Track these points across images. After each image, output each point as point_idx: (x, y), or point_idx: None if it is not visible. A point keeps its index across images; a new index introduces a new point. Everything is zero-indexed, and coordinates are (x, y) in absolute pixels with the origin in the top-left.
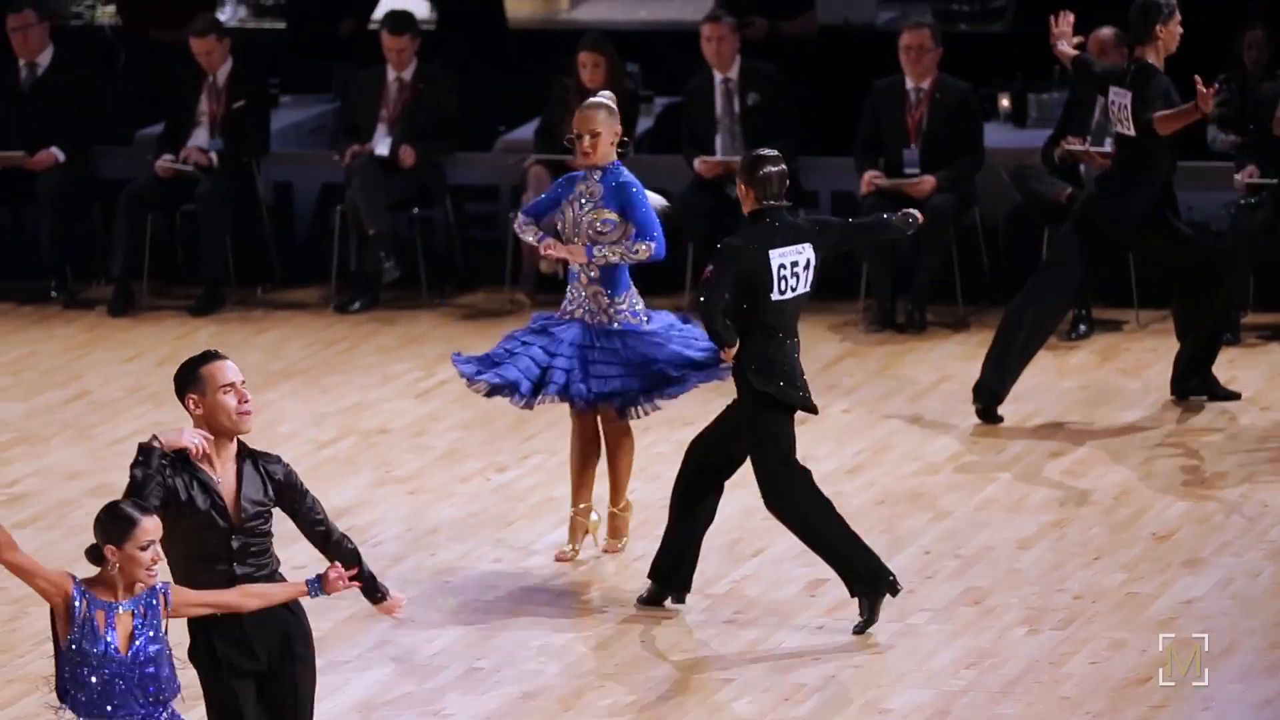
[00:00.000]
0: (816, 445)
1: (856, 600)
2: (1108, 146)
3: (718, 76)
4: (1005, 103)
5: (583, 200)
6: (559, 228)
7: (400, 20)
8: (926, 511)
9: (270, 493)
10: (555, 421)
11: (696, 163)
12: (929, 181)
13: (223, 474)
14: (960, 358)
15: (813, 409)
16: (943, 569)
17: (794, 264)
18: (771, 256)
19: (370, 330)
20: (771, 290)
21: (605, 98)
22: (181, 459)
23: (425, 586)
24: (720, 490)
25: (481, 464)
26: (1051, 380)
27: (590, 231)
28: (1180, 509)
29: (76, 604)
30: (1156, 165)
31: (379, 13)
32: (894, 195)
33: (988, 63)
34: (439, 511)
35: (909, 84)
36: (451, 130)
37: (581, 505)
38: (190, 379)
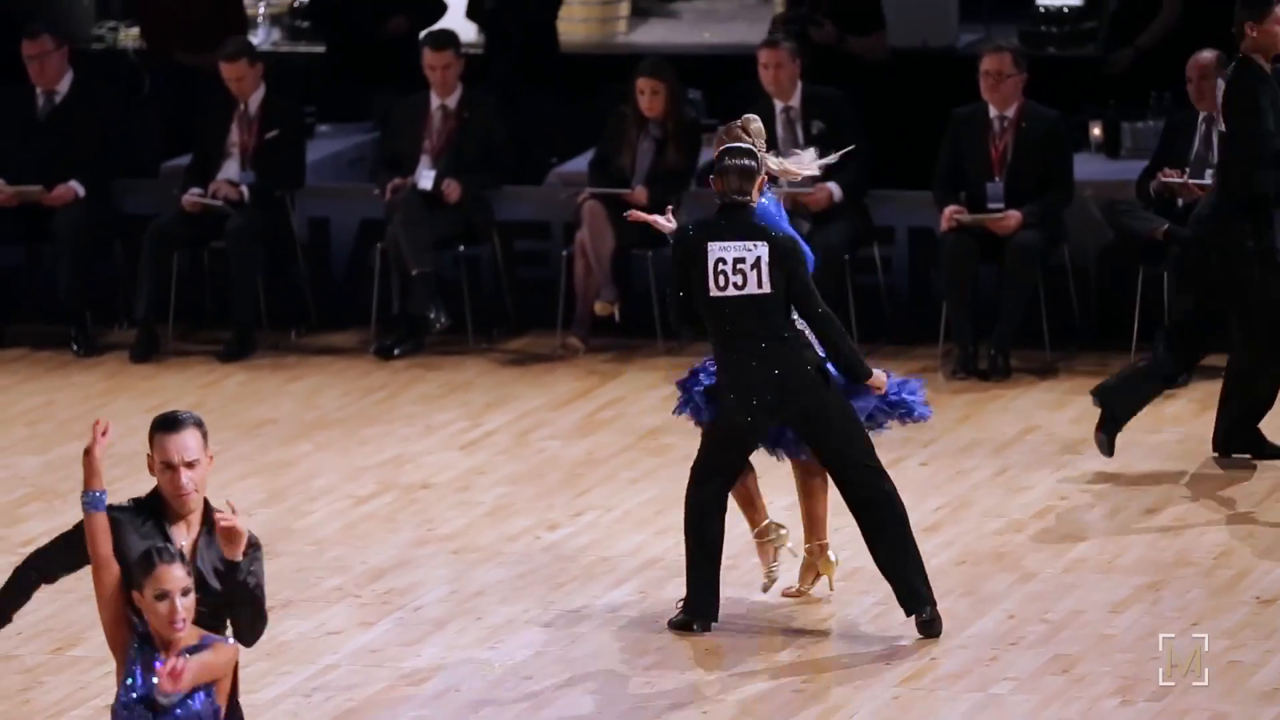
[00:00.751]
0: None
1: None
2: (1208, 179)
3: (779, 105)
4: (1097, 131)
5: None
6: None
7: (442, 37)
8: (1011, 573)
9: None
10: (611, 475)
11: None
12: (1014, 217)
13: (185, 537)
14: (1047, 406)
15: (740, 425)
16: (1028, 634)
17: (738, 260)
18: (710, 248)
19: (412, 377)
20: (707, 283)
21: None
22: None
23: (470, 653)
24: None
25: (531, 521)
26: (1146, 431)
27: None
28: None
29: (131, 651)
30: None
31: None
32: (977, 231)
33: (1078, 88)
34: (486, 572)
35: (992, 112)
36: (500, 161)
37: (817, 544)
38: (150, 435)
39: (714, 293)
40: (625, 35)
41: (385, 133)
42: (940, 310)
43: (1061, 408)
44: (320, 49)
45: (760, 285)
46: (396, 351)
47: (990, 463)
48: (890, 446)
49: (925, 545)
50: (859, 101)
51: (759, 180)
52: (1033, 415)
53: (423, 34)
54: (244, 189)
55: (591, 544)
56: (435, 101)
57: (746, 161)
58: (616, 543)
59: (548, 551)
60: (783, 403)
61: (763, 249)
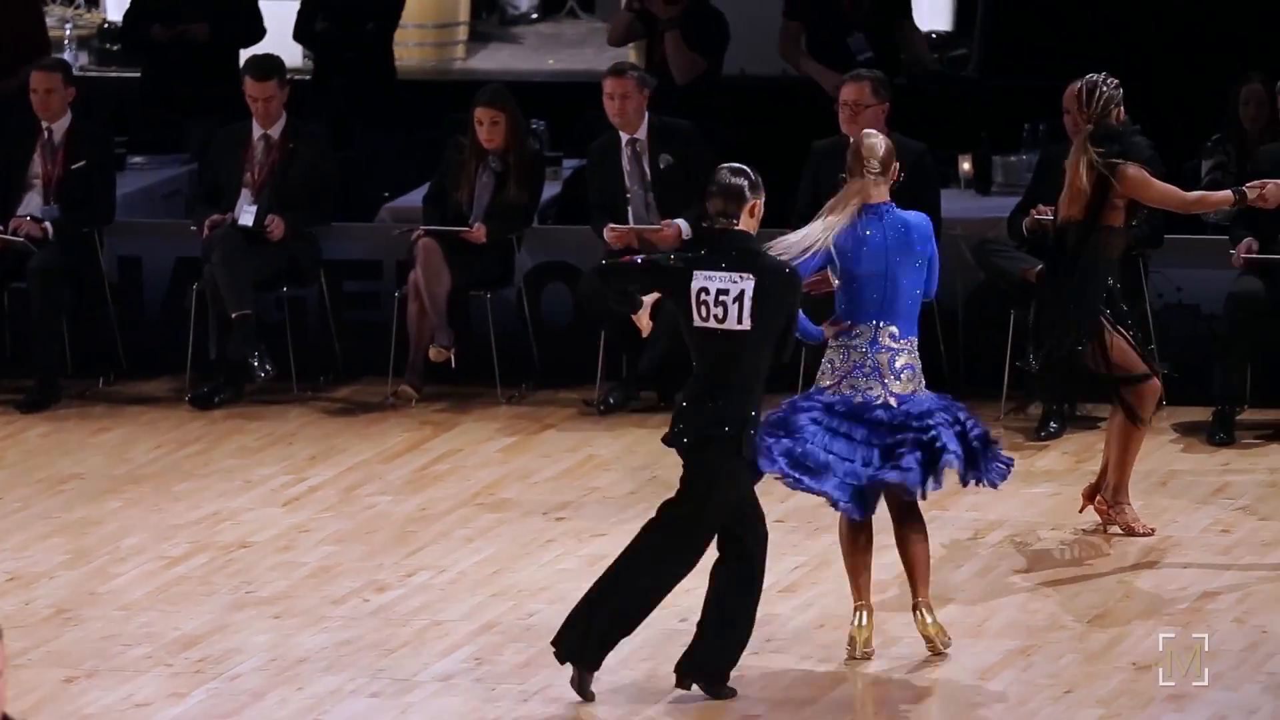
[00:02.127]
0: None
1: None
2: None
3: (624, 137)
4: (966, 166)
5: None
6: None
7: (265, 63)
8: (874, 636)
9: None
10: (445, 533)
11: (606, 232)
12: None
13: None
14: None
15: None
16: (893, 701)
17: (721, 292)
18: (695, 277)
19: (230, 428)
20: (690, 314)
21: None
22: None
23: None
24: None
25: (358, 583)
26: (1017, 485)
27: None
28: (1164, 635)
29: None
30: None
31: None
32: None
33: (946, 120)
34: (308, 638)
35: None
36: (327, 196)
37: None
38: None
39: (698, 323)
40: (463, 61)
41: (203, 165)
42: (801, 354)
43: None
44: (133, 74)
45: (743, 321)
46: (214, 400)
47: None
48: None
49: (782, 607)
50: (712, 133)
51: (750, 204)
52: None
53: (244, 59)
54: (48, 224)
55: (423, 607)
56: (258, 131)
57: (735, 181)
58: (450, 606)
59: (376, 615)
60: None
61: (747, 282)
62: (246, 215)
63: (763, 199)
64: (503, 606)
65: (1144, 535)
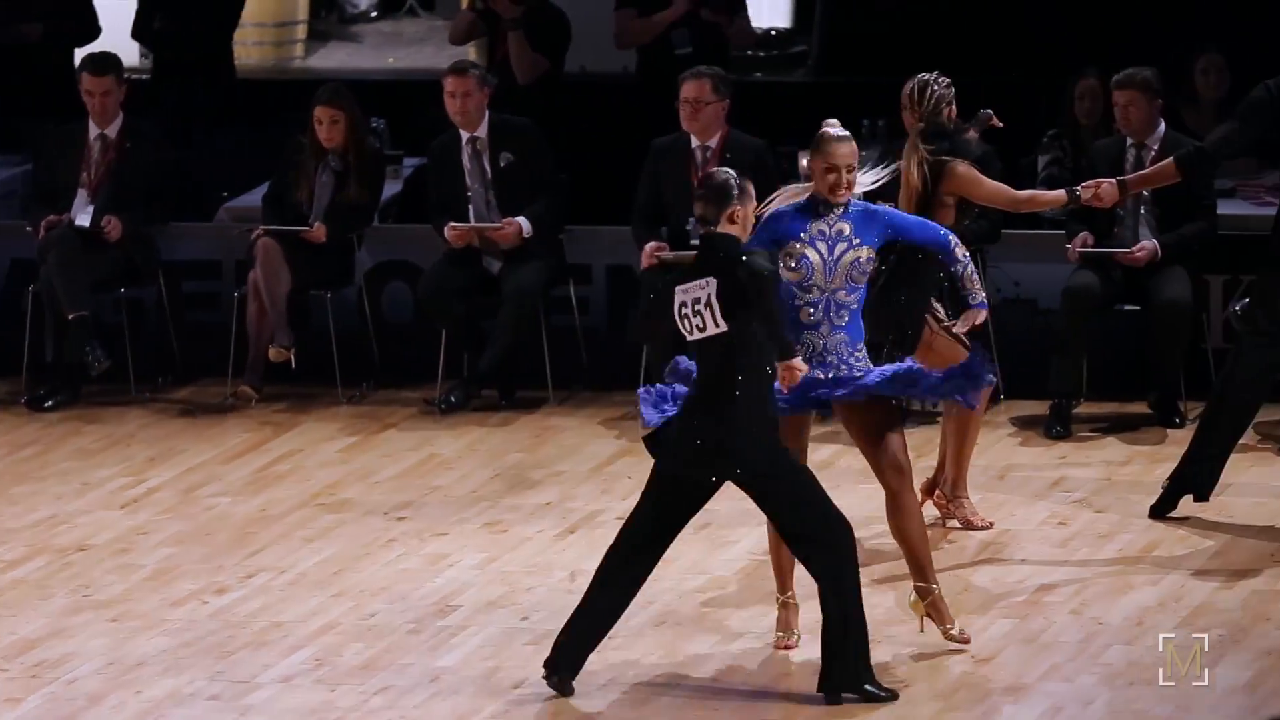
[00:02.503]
0: (588, 558)
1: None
2: None
3: (464, 135)
4: (805, 162)
5: (831, 241)
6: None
7: (101, 60)
8: (713, 634)
9: None
10: (285, 534)
11: (446, 230)
12: None
13: None
14: None
15: (667, 470)
16: (729, 701)
17: (695, 301)
18: (676, 294)
19: (67, 430)
20: (681, 332)
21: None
22: None
23: None
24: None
25: (198, 585)
26: (854, 481)
27: (853, 273)
28: (1003, 628)
29: None
30: None
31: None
32: (678, 269)
33: (786, 116)
34: (147, 641)
35: (694, 142)
36: (166, 196)
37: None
38: None
39: (688, 337)
40: (303, 60)
41: (38, 165)
42: (641, 353)
43: None
44: None
45: (714, 325)
46: (50, 403)
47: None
48: (587, 498)
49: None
50: (553, 131)
51: (730, 209)
52: None
53: (80, 56)
54: None
55: (263, 609)
56: (94, 131)
57: (716, 186)
58: (290, 607)
59: (215, 617)
60: (717, 459)
61: (711, 285)
62: (83, 216)
63: (748, 206)
64: (343, 607)
65: (982, 529)
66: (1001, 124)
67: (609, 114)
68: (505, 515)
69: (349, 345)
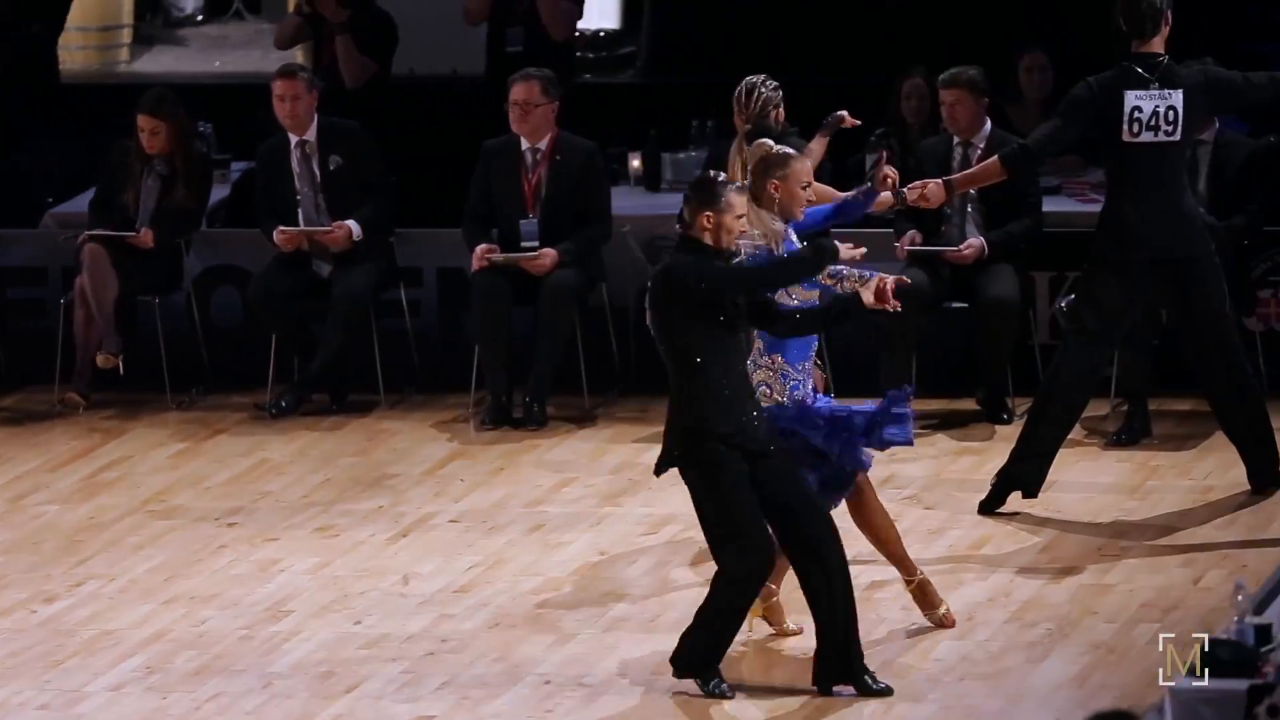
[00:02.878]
0: (421, 560)
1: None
2: None
3: (293, 139)
4: (636, 164)
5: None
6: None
7: None
8: (548, 634)
9: None
10: (115, 541)
11: (276, 234)
12: (550, 255)
13: None
14: (585, 456)
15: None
16: (565, 701)
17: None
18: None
19: None
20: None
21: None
22: None
23: None
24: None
25: (25, 594)
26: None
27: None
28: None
29: None
30: None
31: None
32: (510, 271)
33: (616, 118)
34: None
35: (524, 144)
36: None
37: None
38: None
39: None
40: (128, 64)
41: None
42: (473, 356)
43: (601, 457)
44: None
45: (655, 332)
46: None
47: (525, 517)
48: (419, 502)
49: (455, 609)
50: (382, 134)
51: (705, 213)
52: (571, 466)
53: None
54: None
55: (92, 617)
56: None
57: (692, 187)
58: (120, 615)
59: (44, 626)
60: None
61: (650, 289)
62: None
63: (719, 213)
64: (174, 614)
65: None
66: (858, 122)
67: (438, 116)
68: (337, 520)
69: (178, 350)
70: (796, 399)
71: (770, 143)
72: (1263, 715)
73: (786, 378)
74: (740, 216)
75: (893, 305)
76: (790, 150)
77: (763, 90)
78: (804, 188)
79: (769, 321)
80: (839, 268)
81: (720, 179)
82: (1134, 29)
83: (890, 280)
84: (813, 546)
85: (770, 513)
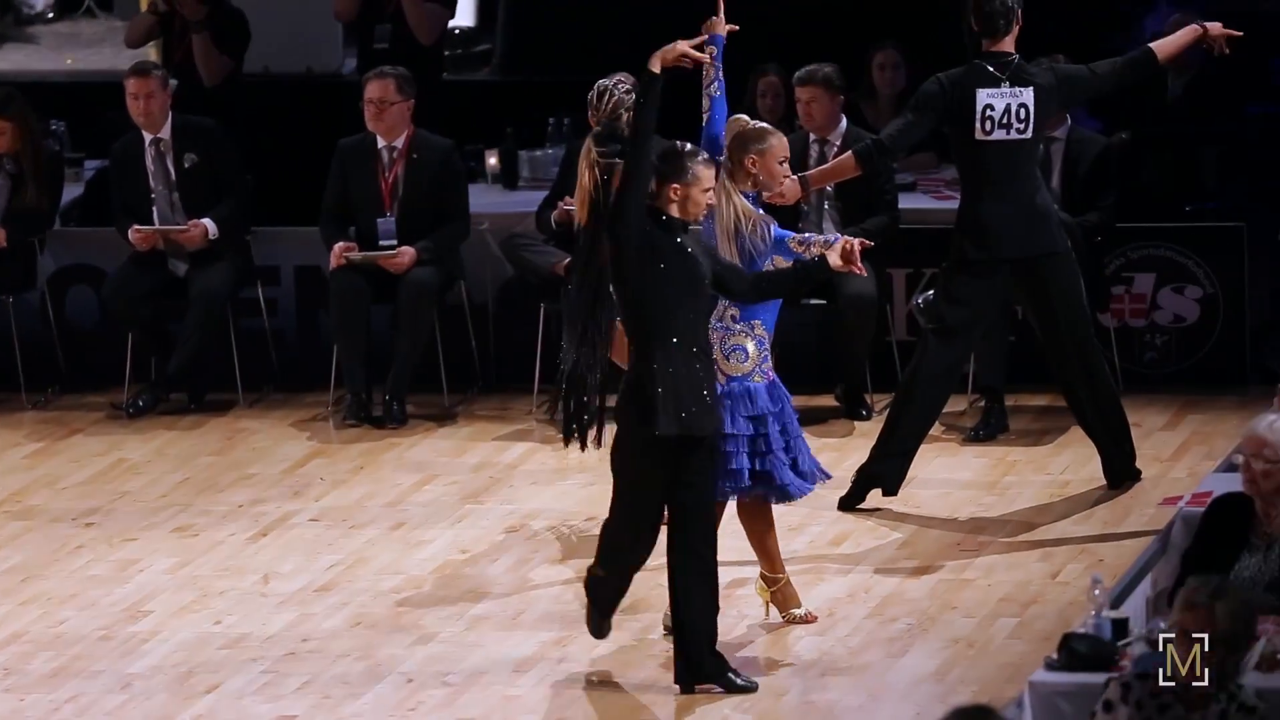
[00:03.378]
0: (281, 560)
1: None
2: None
3: (147, 137)
4: (493, 161)
5: None
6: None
7: None
8: (409, 634)
9: None
10: None
11: (131, 233)
12: (407, 254)
13: None
14: (446, 454)
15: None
16: (428, 699)
17: None
18: None
19: None
20: None
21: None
22: None
23: None
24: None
25: None
26: (551, 477)
27: None
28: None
29: None
30: None
31: None
32: (368, 269)
33: (472, 116)
34: None
35: (380, 142)
36: None
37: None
38: None
39: None
40: None
41: None
42: (331, 354)
43: (461, 454)
44: None
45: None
46: None
47: (386, 516)
48: (279, 501)
49: (316, 608)
50: (237, 132)
51: (671, 185)
52: (431, 464)
53: None
54: None
55: None
56: None
57: (669, 152)
58: None
59: None
60: None
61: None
62: None
63: (686, 185)
64: (31, 615)
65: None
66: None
67: (294, 114)
68: (196, 519)
69: (33, 350)
70: (768, 373)
71: (746, 118)
72: (1115, 690)
73: (763, 344)
74: (707, 190)
75: (858, 268)
76: (766, 125)
77: (615, 93)
78: (781, 163)
79: (738, 285)
80: (807, 234)
81: (687, 149)
82: (985, 28)
83: (855, 242)
84: (693, 547)
85: (670, 498)
